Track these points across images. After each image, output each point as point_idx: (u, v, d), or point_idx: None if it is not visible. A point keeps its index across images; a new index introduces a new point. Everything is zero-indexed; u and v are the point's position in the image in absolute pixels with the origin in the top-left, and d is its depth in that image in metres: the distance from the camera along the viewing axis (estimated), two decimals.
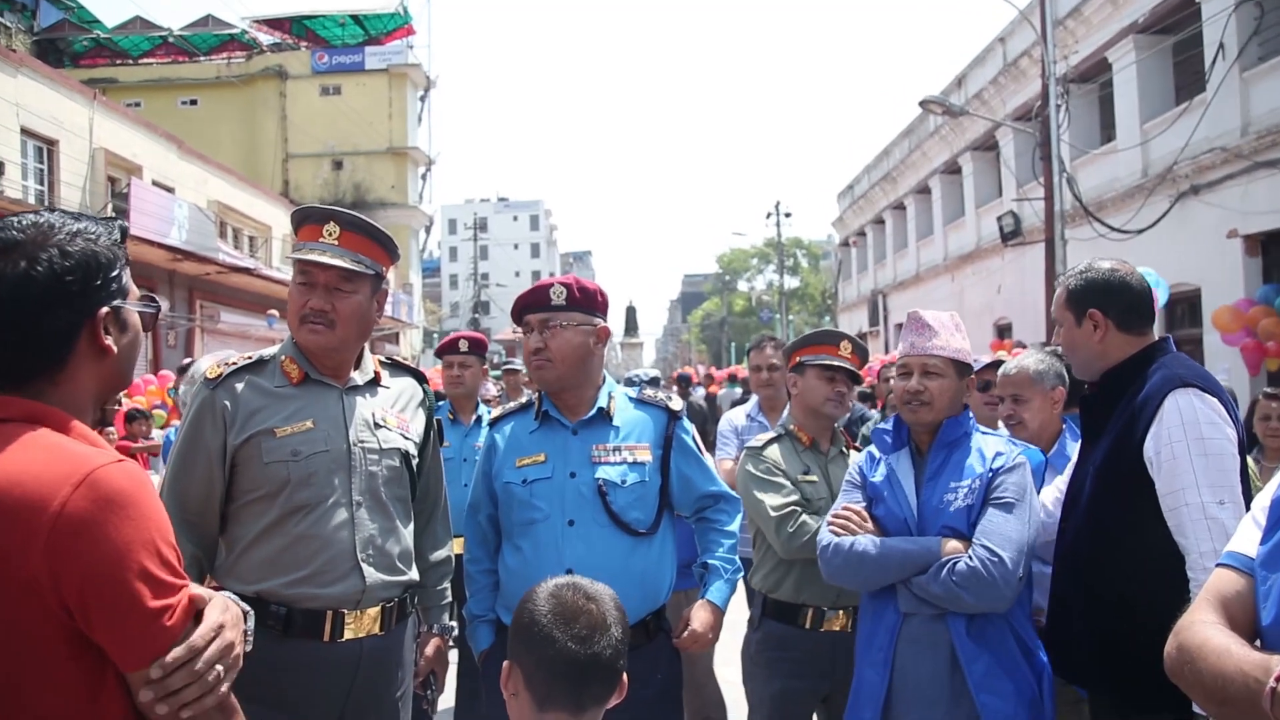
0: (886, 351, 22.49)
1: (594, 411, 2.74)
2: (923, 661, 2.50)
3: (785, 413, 3.74)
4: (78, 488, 1.23)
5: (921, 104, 15.37)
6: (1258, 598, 1.33)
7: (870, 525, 2.62)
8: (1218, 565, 1.45)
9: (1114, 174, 15.36)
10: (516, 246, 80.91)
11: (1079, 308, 2.53)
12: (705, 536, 2.90)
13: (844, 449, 3.40)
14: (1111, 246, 13.83)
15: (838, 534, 2.61)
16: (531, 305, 2.72)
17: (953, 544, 2.49)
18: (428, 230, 39.46)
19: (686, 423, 2.87)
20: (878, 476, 2.69)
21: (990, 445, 2.65)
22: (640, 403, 2.84)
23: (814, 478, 3.24)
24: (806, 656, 3.12)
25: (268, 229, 24.86)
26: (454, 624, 2.79)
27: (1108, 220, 14.36)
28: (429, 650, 2.65)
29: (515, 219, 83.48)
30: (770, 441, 3.32)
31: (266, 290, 21.30)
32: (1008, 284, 19.81)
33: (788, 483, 3.19)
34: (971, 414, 2.76)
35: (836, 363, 3.29)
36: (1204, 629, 1.34)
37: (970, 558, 2.43)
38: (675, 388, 15.35)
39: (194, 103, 32.68)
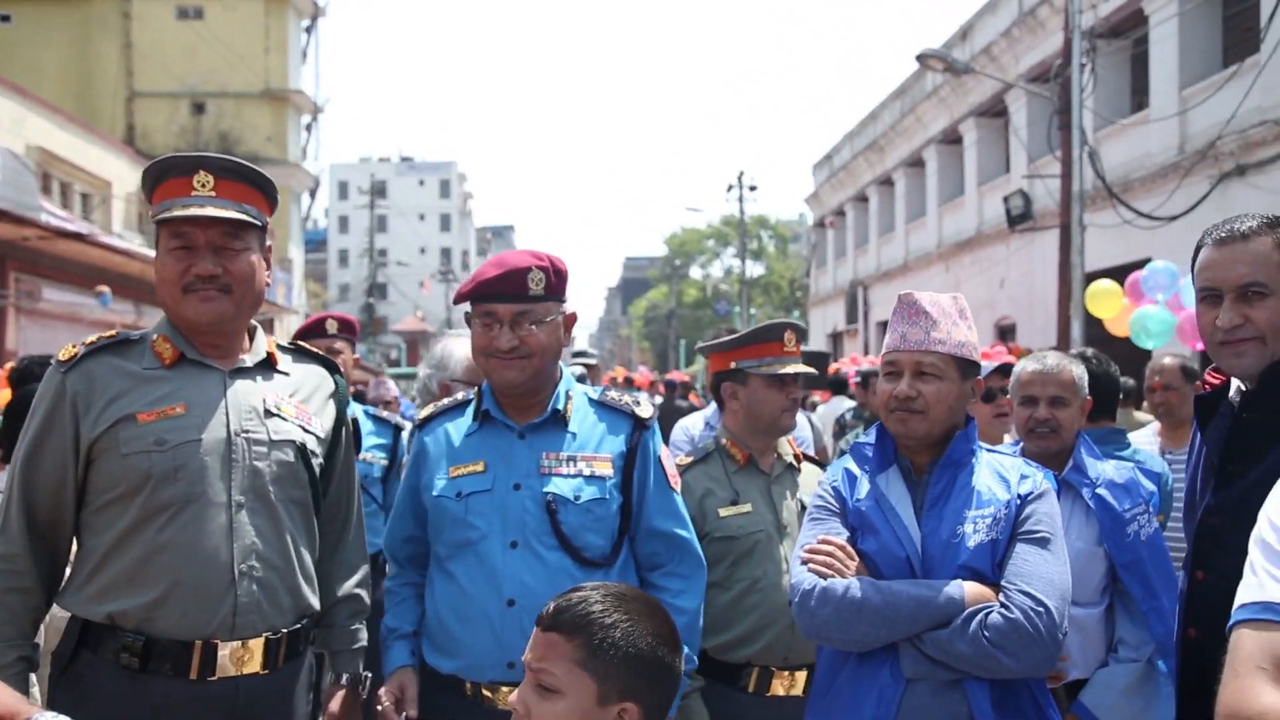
0: (866, 354, 22.57)
1: (547, 413, 2.75)
2: None
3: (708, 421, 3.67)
4: None
5: (919, 59, 15.54)
6: None
7: (856, 564, 2.49)
8: (1250, 620, 1.51)
9: (1145, 149, 15.55)
10: (423, 217, 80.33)
11: None
12: None
13: (793, 463, 3.42)
14: (1138, 235, 13.92)
15: (822, 575, 2.44)
16: (502, 294, 2.68)
17: (979, 589, 2.39)
18: (312, 194, 38.81)
19: (657, 435, 2.87)
20: (863, 501, 2.56)
21: (1009, 466, 2.58)
22: (602, 406, 2.84)
23: (746, 507, 3.23)
24: None
25: (105, 185, 24.20)
26: (369, 674, 2.76)
27: (1135, 204, 14.48)
28: (335, 706, 2.61)
29: (422, 184, 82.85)
30: (693, 463, 3.33)
31: (104, 262, 20.53)
32: (1013, 277, 20.03)
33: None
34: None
35: (789, 370, 3.32)
36: (1261, 698, 1.42)
37: (1008, 608, 2.33)
38: (657, 393, 15.26)
39: (6, 19, 31.41)
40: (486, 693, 2.62)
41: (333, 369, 2.77)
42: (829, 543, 2.50)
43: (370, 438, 4.89)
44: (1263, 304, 2.30)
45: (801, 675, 3.15)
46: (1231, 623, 1.58)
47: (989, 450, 2.65)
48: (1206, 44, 14.73)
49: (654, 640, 1.82)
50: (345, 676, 2.68)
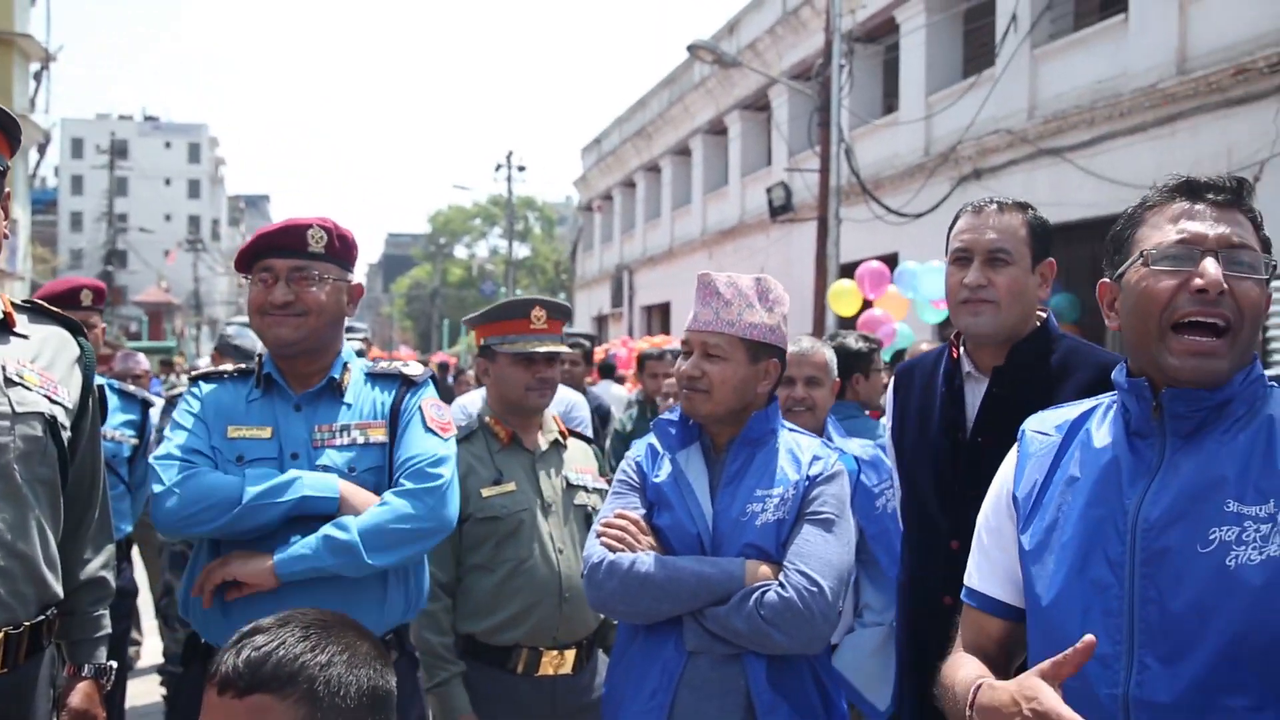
0: (632, 336, 22.97)
1: (324, 383, 2.69)
2: (709, 712, 2.41)
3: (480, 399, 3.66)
4: None
5: (690, 49, 15.75)
6: (1034, 578, 1.68)
7: (649, 539, 2.50)
8: (964, 603, 1.85)
9: (894, 149, 16.51)
10: (169, 182, 75.63)
11: None
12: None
13: (560, 438, 3.37)
14: (887, 229, 14.83)
15: (612, 548, 2.46)
16: (281, 247, 2.63)
17: (760, 568, 2.43)
18: (41, 151, 35.76)
19: (427, 391, 2.80)
20: (662, 477, 2.57)
21: (805, 447, 2.62)
22: (375, 376, 2.80)
23: (509, 486, 3.17)
24: (524, 711, 3.09)
25: None
26: (113, 663, 2.60)
27: (885, 200, 15.36)
28: (75, 700, 2.44)
29: (168, 146, 77.91)
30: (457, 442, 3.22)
31: None
32: (773, 265, 20.75)
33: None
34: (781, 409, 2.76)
35: (535, 348, 3.24)
36: (948, 664, 1.79)
37: (784, 586, 2.37)
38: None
39: None
40: None
41: (76, 330, 2.54)
42: (624, 517, 2.53)
43: (116, 414, 4.62)
44: (1005, 270, 2.52)
45: (570, 654, 3.12)
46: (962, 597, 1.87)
47: (792, 431, 2.67)
48: (950, 55, 15.78)
49: (374, 664, 1.49)
50: (88, 667, 2.49)
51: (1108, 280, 1.72)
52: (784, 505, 2.49)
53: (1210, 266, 1.55)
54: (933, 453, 2.68)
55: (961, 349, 2.67)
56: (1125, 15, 11.96)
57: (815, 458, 2.58)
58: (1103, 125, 12.08)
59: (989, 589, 1.79)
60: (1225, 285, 1.54)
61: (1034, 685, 1.44)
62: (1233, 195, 1.63)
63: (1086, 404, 1.81)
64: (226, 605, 2.53)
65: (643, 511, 2.57)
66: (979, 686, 1.57)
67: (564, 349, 3.35)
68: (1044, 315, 2.62)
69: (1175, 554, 1.52)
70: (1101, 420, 1.73)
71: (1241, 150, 10.25)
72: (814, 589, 2.36)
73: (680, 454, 2.60)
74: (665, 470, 2.59)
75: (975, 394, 2.61)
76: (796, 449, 2.60)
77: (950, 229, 2.67)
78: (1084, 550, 1.61)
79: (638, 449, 2.71)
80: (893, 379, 2.96)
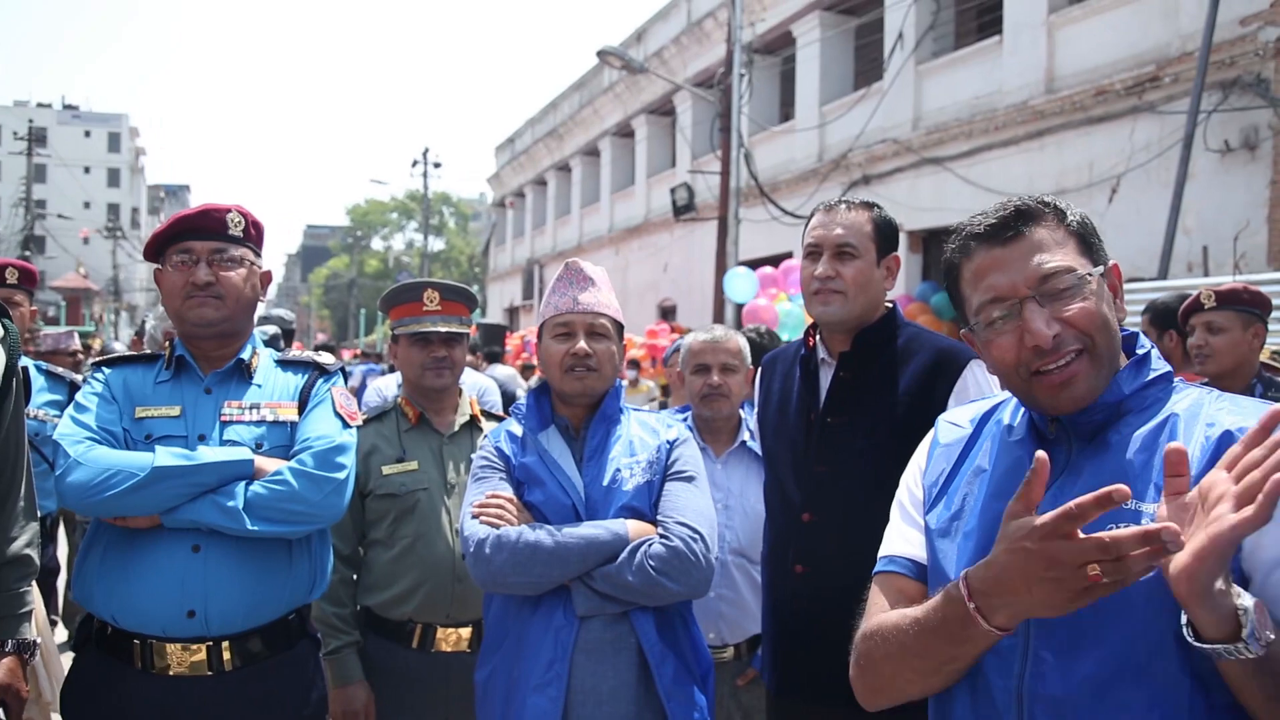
0: None
1: (233, 363, 2.60)
2: (605, 672, 2.40)
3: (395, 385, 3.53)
4: None
5: (600, 54, 15.71)
6: (940, 564, 1.58)
7: (526, 515, 2.47)
8: (879, 572, 1.69)
9: (790, 155, 16.72)
10: (88, 170, 72.79)
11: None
12: None
13: (476, 420, 3.31)
14: (783, 230, 15.04)
15: (494, 525, 2.41)
16: (201, 229, 2.55)
17: (640, 525, 2.43)
18: None
19: (338, 380, 2.73)
20: (526, 457, 2.56)
21: (653, 420, 2.67)
22: (286, 363, 2.72)
23: (411, 465, 3.12)
24: (418, 684, 3.04)
25: None
26: (37, 639, 2.51)
27: (782, 202, 15.58)
28: (1, 676, 2.37)
29: (88, 135, 75.00)
30: (368, 421, 3.18)
31: None
32: (676, 262, 20.93)
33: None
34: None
35: (427, 329, 3.19)
36: (872, 620, 1.61)
37: (668, 537, 2.38)
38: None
39: None
40: (161, 650, 2.39)
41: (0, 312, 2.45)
42: (497, 496, 2.48)
43: (43, 394, 4.45)
44: (852, 263, 2.59)
45: (466, 631, 3.06)
46: (874, 572, 1.71)
47: (632, 408, 2.71)
48: (842, 69, 16.05)
49: None
50: (10, 643, 2.42)
51: (965, 331, 1.64)
52: (651, 468, 2.52)
53: (1033, 320, 1.47)
54: (790, 433, 2.72)
55: (817, 337, 2.73)
56: (1000, 37, 12.31)
57: (668, 425, 2.64)
58: (980, 137, 12.42)
59: (912, 554, 1.67)
60: (1055, 329, 1.46)
61: (1017, 525, 1.31)
62: (1016, 226, 1.52)
63: (999, 397, 1.74)
64: (119, 569, 2.42)
65: (512, 490, 2.52)
66: (961, 578, 1.40)
67: (461, 329, 3.24)
68: (889, 305, 2.68)
69: None
70: (1013, 414, 1.65)
71: (1101, 164, 10.65)
72: (695, 536, 2.39)
73: (541, 435, 2.59)
74: (528, 450, 2.57)
75: (828, 378, 2.67)
76: (646, 421, 2.65)
77: (805, 225, 2.74)
78: (984, 541, 1.51)
79: (494, 435, 2.66)
80: (760, 368, 2.99)
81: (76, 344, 6.71)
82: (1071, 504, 1.24)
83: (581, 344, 2.53)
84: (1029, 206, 1.53)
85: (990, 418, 1.70)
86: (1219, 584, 1.25)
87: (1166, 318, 4.21)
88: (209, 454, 2.40)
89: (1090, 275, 1.50)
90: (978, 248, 1.55)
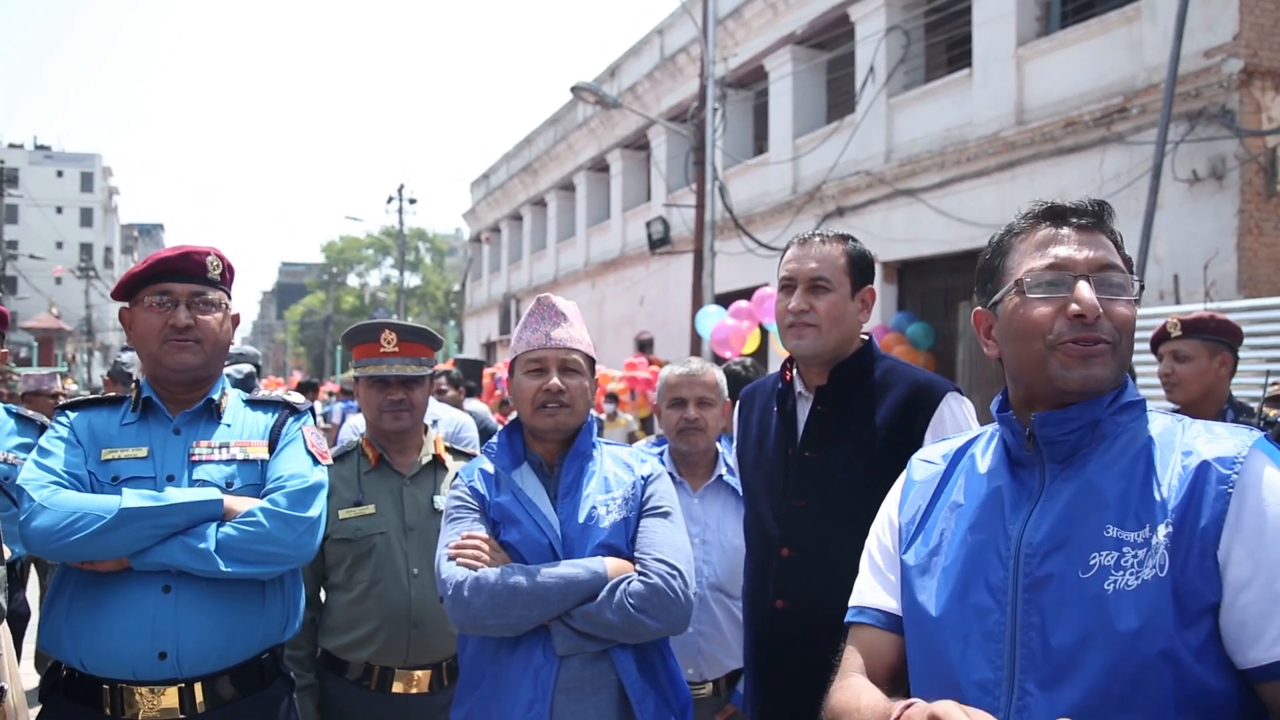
0: None
1: (202, 403, 2.58)
2: (586, 711, 2.36)
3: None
4: None
5: (574, 90, 15.81)
6: (919, 602, 1.59)
7: (502, 555, 2.43)
8: (852, 623, 1.71)
9: (765, 188, 16.80)
10: (60, 210, 72.44)
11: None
12: None
13: (440, 460, 3.26)
14: (759, 262, 15.09)
15: (471, 567, 2.37)
16: (181, 272, 2.52)
17: (618, 563, 2.41)
18: None
19: (308, 419, 2.74)
20: (501, 496, 2.51)
21: (627, 454, 2.65)
22: (255, 403, 2.71)
23: (369, 509, 3.08)
24: None
25: None
26: (5, 684, 2.51)
27: (756, 234, 15.66)
28: None
29: (60, 175, 74.73)
30: (330, 463, 3.12)
31: None
32: (651, 295, 20.95)
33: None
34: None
35: (384, 371, 3.15)
36: (842, 691, 1.62)
37: (646, 574, 2.36)
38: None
39: None
40: (132, 694, 2.34)
41: None
42: (473, 537, 2.44)
43: (12, 437, 4.30)
44: (825, 297, 2.58)
45: (423, 674, 3.03)
46: (846, 620, 1.73)
47: (605, 443, 2.69)
48: (814, 102, 16.17)
49: None
50: None
51: (982, 309, 1.66)
52: (626, 504, 2.50)
53: (1084, 291, 1.49)
54: (768, 468, 2.71)
55: (793, 371, 2.71)
56: (970, 70, 12.45)
57: (642, 460, 2.61)
58: (951, 169, 12.52)
59: (882, 603, 1.68)
60: (1100, 309, 1.49)
61: (945, 708, 1.31)
62: (1095, 219, 1.58)
63: (971, 433, 1.75)
64: (88, 612, 2.36)
65: (487, 530, 2.48)
66: (906, 708, 1.40)
67: (420, 372, 3.17)
68: (865, 338, 2.67)
69: (1057, 580, 1.45)
70: (986, 448, 1.66)
71: (1072, 194, 10.51)
72: (673, 573, 2.38)
73: (514, 473, 2.55)
74: (502, 489, 2.53)
75: (805, 412, 2.65)
76: (620, 456, 2.63)
77: (780, 258, 2.73)
78: (965, 576, 1.54)
79: (467, 473, 2.61)
80: (738, 402, 2.96)
81: (59, 385, 6.60)
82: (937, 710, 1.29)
83: (554, 380, 2.51)
84: (1106, 209, 1.60)
85: (965, 453, 1.70)
86: None
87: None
88: (177, 494, 2.35)
89: (1136, 286, 1.55)
90: (1049, 225, 1.59)
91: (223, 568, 2.34)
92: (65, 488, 2.36)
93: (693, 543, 2.65)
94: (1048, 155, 11.13)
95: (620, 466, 2.58)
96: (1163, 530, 1.41)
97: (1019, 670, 1.44)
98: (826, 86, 16.22)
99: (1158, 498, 1.43)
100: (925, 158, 12.96)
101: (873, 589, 1.70)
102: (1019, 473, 1.57)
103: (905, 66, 13.86)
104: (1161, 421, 1.54)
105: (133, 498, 2.31)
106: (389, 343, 3.15)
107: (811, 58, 15.97)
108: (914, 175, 13.17)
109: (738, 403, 2.97)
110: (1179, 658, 1.35)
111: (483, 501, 2.52)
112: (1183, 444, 1.47)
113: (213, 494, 2.40)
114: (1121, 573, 1.41)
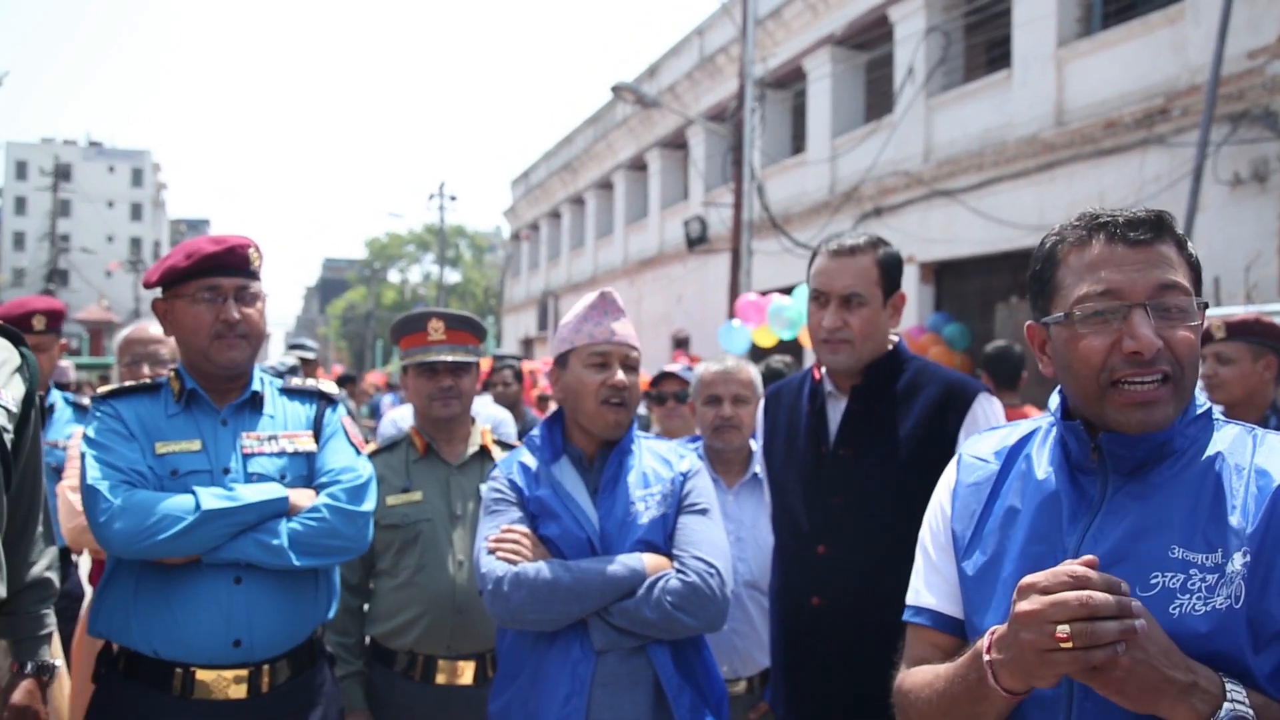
0: None
1: (246, 394, 2.62)
2: (623, 705, 2.37)
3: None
4: None
5: (614, 89, 15.90)
6: (979, 613, 1.54)
7: (541, 549, 2.44)
8: (909, 622, 1.68)
9: (802, 187, 16.73)
10: (112, 205, 73.67)
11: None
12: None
13: (487, 450, 3.25)
14: (796, 261, 15.04)
15: (511, 561, 2.37)
16: (228, 266, 2.53)
17: (657, 559, 2.42)
18: None
19: (343, 409, 2.79)
20: (540, 490, 2.52)
21: (665, 450, 2.64)
22: (289, 392, 2.75)
23: (415, 496, 3.10)
24: (416, 715, 3.00)
25: None
26: (56, 661, 2.51)
27: (794, 234, 15.59)
28: (17, 697, 2.34)
29: (112, 170, 75.91)
30: (378, 451, 3.19)
31: None
32: (689, 294, 20.93)
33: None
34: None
35: (433, 358, 3.16)
36: (913, 675, 1.60)
37: (684, 572, 2.37)
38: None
39: None
40: (203, 677, 2.42)
41: (17, 340, 2.41)
42: (513, 531, 2.44)
43: (71, 425, 4.36)
44: (860, 311, 2.58)
45: (467, 666, 3.01)
46: (904, 618, 1.69)
47: (644, 437, 2.68)
48: (852, 102, 16.07)
49: None
50: (30, 665, 2.40)
51: (1034, 323, 1.55)
52: (665, 501, 2.50)
53: (1141, 326, 1.37)
54: (800, 465, 2.71)
55: (823, 370, 2.72)
56: (1009, 71, 12.34)
57: (681, 456, 2.61)
58: (990, 170, 12.41)
59: (942, 605, 1.62)
60: (1158, 342, 1.37)
61: (1023, 582, 1.27)
62: (1153, 231, 1.43)
63: (1026, 426, 1.66)
64: (159, 602, 2.42)
65: (526, 523, 2.49)
66: (988, 634, 1.37)
67: (468, 359, 3.19)
68: (895, 339, 2.68)
69: None
70: (1041, 446, 1.58)
71: (1111, 196, 10.63)
72: (711, 570, 2.38)
73: (554, 466, 2.55)
74: (542, 482, 2.53)
75: (836, 410, 2.67)
76: (659, 451, 2.62)
77: (810, 262, 2.72)
78: None
79: (506, 466, 2.61)
80: (763, 400, 2.96)
81: (71, 376, 6.73)
82: (1075, 564, 1.24)
83: (620, 375, 2.50)
84: (1166, 218, 1.45)
85: (1020, 452, 1.62)
86: (1179, 677, 1.26)
87: None
88: (249, 493, 2.45)
89: (1200, 306, 1.43)
90: (1102, 240, 1.45)
91: (295, 562, 2.45)
92: (134, 486, 2.42)
93: (728, 540, 2.66)
94: (1087, 156, 11.00)
95: (659, 462, 2.58)
96: (1239, 559, 1.34)
97: (1077, 685, 1.39)
98: (865, 87, 16.10)
99: (1232, 522, 1.36)
100: (964, 158, 12.85)
101: (930, 590, 1.65)
102: (1079, 479, 1.49)
103: (944, 67, 13.75)
104: (1230, 432, 1.46)
105: (210, 498, 2.40)
106: (436, 331, 3.17)
107: (850, 58, 15.87)
108: (952, 176, 13.07)
109: (763, 401, 2.98)
110: (1256, 684, 1.31)
111: (521, 495, 2.52)
112: (1256, 463, 1.40)
113: (279, 491, 2.49)
114: (1188, 596, 1.34)
